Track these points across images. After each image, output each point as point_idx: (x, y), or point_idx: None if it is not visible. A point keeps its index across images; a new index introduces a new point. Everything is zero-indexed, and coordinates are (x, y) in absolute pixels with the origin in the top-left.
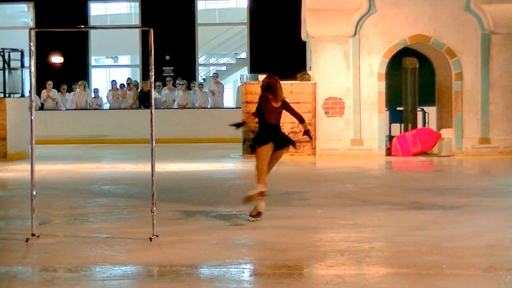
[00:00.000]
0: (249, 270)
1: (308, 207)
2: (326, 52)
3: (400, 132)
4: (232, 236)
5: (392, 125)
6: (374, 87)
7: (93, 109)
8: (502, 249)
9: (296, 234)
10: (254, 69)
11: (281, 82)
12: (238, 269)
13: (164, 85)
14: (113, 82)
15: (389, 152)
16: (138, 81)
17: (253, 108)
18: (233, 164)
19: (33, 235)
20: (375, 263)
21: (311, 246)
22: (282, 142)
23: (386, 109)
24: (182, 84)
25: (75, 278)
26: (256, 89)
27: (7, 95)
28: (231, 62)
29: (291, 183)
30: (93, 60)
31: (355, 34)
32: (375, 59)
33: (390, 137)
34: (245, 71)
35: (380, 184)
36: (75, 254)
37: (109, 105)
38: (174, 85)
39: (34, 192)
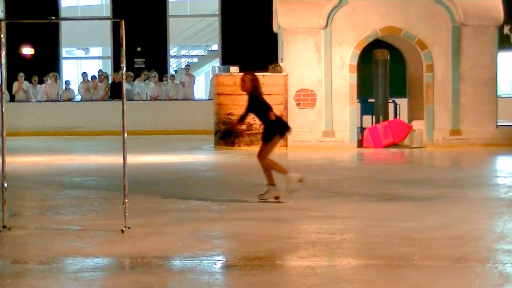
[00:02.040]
0: (221, 261)
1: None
2: (298, 44)
3: (372, 124)
4: (203, 228)
5: (364, 117)
6: (345, 79)
7: (64, 101)
8: (472, 240)
9: (268, 226)
10: (226, 61)
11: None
12: (210, 261)
13: (137, 76)
14: (84, 74)
15: (360, 144)
16: (110, 73)
17: (225, 99)
18: (205, 156)
19: (4, 227)
20: (347, 255)
21: (283, 237)
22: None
23: (357, 101)
24: (154, 76)
25: (46, 270)
26: (227, 80)
27: None
28: (203, 54)
29: (262, 175)
30: (64, 51)
31: (326, 26)
32: (347, 51)
33: (362, 129)
34: (216, 63)
35: (351, 176)
36: (46, 246)
37: (80, 97)
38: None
39: (5, 184)
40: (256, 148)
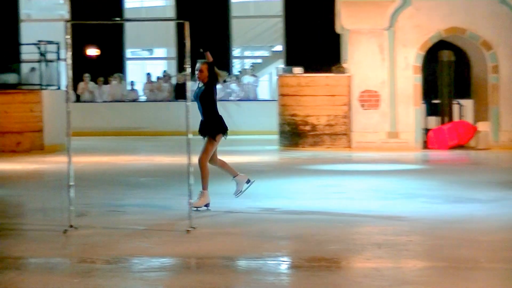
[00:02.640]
0: (286, 262)
1: (345, 200)
2: (361, 44)
3: (436, 125)
4: (268, 229)
5: (428, 118)
6: (409, 80)
7: (129, 101)
8: None
9: (333, 227)
10: (289, 62)
11: (317, 75)
12: (275, 262)
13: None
14: (148, 74)
15: (425, 145)
16: (174, 74)
17: (289, 100)
18: (269, 157)
19: (71, 226)
20: (413, 256)
21: (348, 239)
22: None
23: (422, 102)
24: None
25: (113, 270)
26: (291, 81)
27: (43, 87)
28: (266, 55)
29: (326, 176)
30: (129, 52)
31: (390, 26)
32: (411, 52)
33: (426, 130)
34: (280, 63)
35: (417, 177)
36: (113, 246)
37: (145, 98)
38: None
39: (72, 184)
40: (320, 149)
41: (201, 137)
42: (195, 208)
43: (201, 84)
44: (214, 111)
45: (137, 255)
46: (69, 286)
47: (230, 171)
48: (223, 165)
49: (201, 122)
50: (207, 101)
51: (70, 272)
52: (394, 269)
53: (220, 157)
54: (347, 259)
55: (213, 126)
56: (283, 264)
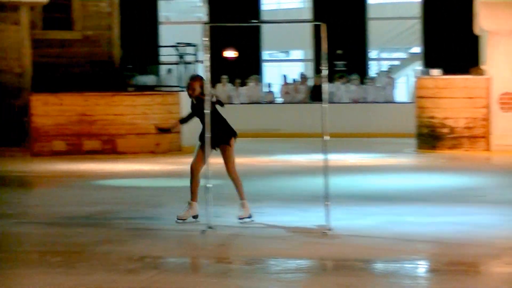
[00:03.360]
0: (424, 266)
1: (484, 203)
2: (501, 46)
3: None
4: (406, 231)
5: None
6: None
7: (265, 103)
8: None
9: (471, 230)
10: (427, 64)
11: (455, 77)
12: (412, 265)
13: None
14: (285, 76)
15: None
16: (310, 76)
17: (426, 102)
18: (406, 159)
19: (209, 227)
20: None
21: (487, 243)
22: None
23: None
24: (355, 79)
25: (250, 271)
26: (429, 83)
27: (181, 89)
28: (403, 57)
29: (465, 179)
30: (265, 54)
31: None
32: None
33: None
34: (417, 65)
35: None
36: (250, 247)
37: (281, 99)
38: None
39: (210, 185)
40: (458, 153)
41: (213, 149)
42: (241, 220)
43: (195, 101)
44: (219, 120)
45: (273, 256)
46: (207, 286)
47: (196, 191)
48: (197, 184)
49: (202, 133)
50: (202, 114)
51: (207, 272)
52: None
53: (354, 159)
54: (486, 264)
55: (223, 134)
56: (421, 268)
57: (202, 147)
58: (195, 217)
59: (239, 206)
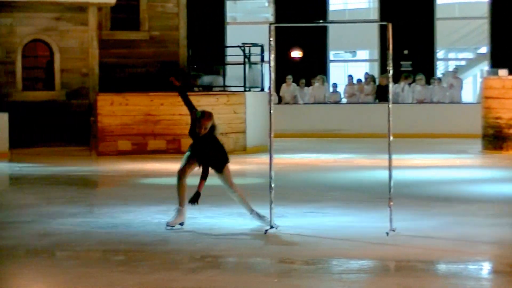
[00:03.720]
0: (487, 267)
1: None
2: None
3: None
4: (470, 233)
5: None
6: None
7: (331, 103)
8: None
9: None
10: (495, 64)
11: None
12: (476, 266)
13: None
14: (350, 76)
15: None
16: (376, 76)
17: (493, 103)
18: (471, 160)
19: (271, 227)
20: None
21: None
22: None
23: None
24: (420, 79)
25: (311, 271)
26: (496, 84)
27: (247, 89)
28: (471, 57)
29: None
30: (331, 54)
31: None
32: None
33: None
34: (485, 66)
35: None
36: (312, 247)
37: (346, 100)
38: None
39: (273, 184)
40: None
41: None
42: (265, 231)
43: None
44: (215, 146)
45: (335, 256)
46: (268, 285)
47: (184, 196)
48: (184, 189)
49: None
50: (213, 144)
51: (268, 272)
52: None
53: (419, 160)
54: None
55: (221, 159)
56: (484, 269)
57: (191, 157)
58: (181, 224)
59: (254, 217)
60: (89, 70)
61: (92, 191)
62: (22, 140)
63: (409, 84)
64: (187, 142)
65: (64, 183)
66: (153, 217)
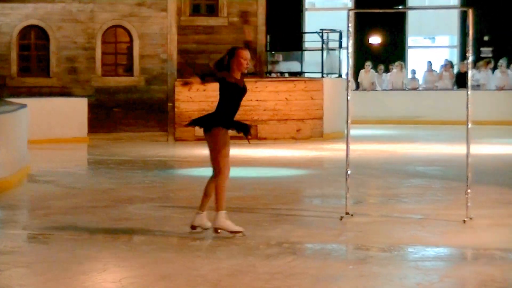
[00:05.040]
0: None
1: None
2: None
3: None
4: None
5: None
6: None
7: (409, 89)
8: None
9: None
10: None
11: None
12: None
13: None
14: (429, 63)
15: None
16: (456, 62)
17: None
18: None
19: (347, 213)
20: None
21: None
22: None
23: None
24: (501, 65)
25: (387, 258)
26: None
27: (324, 75)
28: None
29: None
30: (410, 40)
31: None
32: None
33: None
34: None
35: None
36: (388, 234)
37: (425, 86)
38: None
39: (349, 171)
40: None
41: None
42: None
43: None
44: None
45: (412, 243)
46: (344, 272)
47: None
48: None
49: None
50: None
51: (345, 259)
52: None
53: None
54: None
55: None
56: None
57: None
58: (194, 228)
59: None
60: (168, 56)
61: (169, 176)
62: (101, 125)
63: (490, 70)
64: (264, 128)
65: (141, 168)
66: (229, 203)
